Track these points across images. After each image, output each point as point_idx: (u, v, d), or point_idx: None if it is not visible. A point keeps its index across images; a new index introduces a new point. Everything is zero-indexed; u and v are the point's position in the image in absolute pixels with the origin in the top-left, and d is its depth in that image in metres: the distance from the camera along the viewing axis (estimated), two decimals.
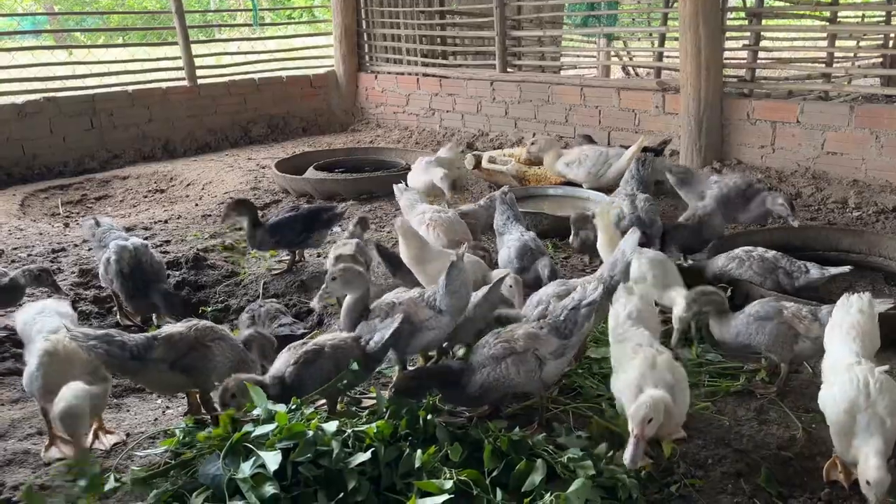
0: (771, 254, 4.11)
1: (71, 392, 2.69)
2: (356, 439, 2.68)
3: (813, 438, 3.02)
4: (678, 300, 3.58)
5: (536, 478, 2.48)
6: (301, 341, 3.15)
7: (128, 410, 3.41)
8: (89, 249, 5.36)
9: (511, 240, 4.30)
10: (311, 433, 2.60)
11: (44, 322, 3.10)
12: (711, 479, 2.77)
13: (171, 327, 3.11)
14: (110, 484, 2.65)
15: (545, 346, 2.97)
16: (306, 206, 5.26)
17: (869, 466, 2.39)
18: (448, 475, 2.48)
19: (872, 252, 4.81)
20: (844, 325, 2.82)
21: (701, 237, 4.73)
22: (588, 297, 3.03)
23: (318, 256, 5.42)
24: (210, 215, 6.56)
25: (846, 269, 4.00)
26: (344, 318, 3.36)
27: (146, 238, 5.62)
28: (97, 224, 4.56)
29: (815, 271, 3.97)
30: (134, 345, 2.94)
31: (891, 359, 3.54)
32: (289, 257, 5.20)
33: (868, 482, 2.38)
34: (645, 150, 6.28)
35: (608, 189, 6.04)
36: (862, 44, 11.29)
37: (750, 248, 4.21)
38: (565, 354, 3.04)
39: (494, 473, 2.58)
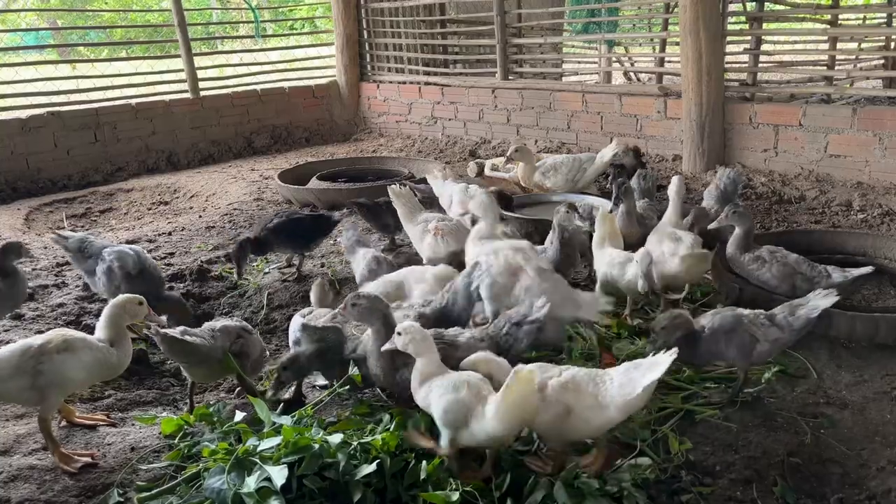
0: (793, 257, 3.99)
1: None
2: (362, 451, 2.67)
3: (822, 444, 2.99)
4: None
5: (541, 491, 2.47)
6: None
7: (133, 424, 3.40)
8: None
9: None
10: (317, 447, 2.59)
11: None
12: (720, 487, 2.75)
13: (217, 321, 3.52)
14: (114, 498, 2.64)
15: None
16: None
17: None
18: (454, 486, 2.47)
19: (878, 255, 4.79)
20: None
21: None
22: (532, 315, 2.97)
23: (322, 267, 5.42)
24: (214, 227, 6.57)
25: (869, 269, 3.87)
26: (373, 359, 3.06)
27: (150, 251, 5.64)
28: (64, 238, 4.45)
29: (836, 275, 3.86)
30: (212, 334, 3.37)
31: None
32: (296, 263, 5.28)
33: None
34: (621, 166, 6.22)
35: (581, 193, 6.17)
36: (863, 46, 11.28)
37: (774, 248, 4.09)
38: None
39: (499, 483, 2.56)
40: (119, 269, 4.16)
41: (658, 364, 2.49)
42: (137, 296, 3.31)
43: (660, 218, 4.54)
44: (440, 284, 3.64)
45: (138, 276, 4.18)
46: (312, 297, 3.91)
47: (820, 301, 3.16)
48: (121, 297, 3.27)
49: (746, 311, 3.26)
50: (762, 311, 3.28)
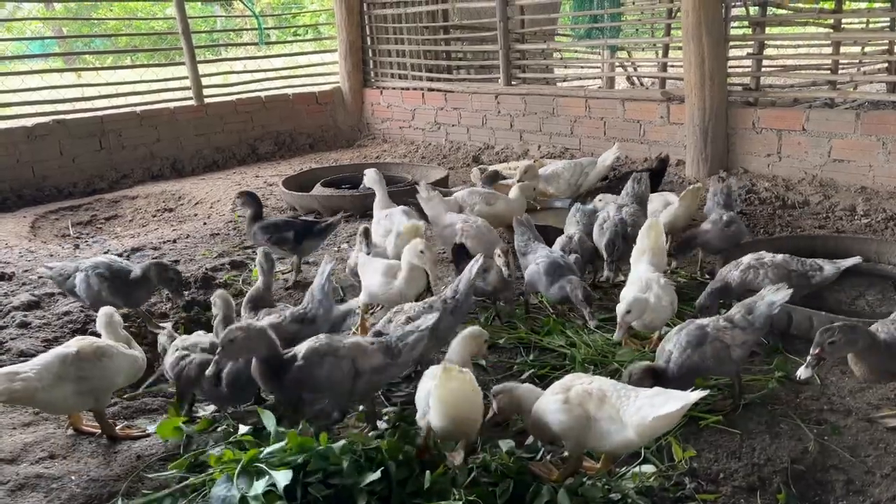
0: (780, 258, 4.00)
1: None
2: (367, 459, 2.67)
3: (826, 451, 2.99)
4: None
5: (544, 497, 2.48)
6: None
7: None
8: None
9: (540, 256, 4.20)
10: (322, 447, 2.60)
11: None
12: (724, 494, 2.75)
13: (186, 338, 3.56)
14: None
15: (368, 359, 2.99)
16: (302, 218, 5.45)
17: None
18: (457, 496, 2.48)
19: (882, 259, 4.79)
20: None
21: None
22: (421, 324, 3.07)
23: None
24: (218, 234, 6.59)
25: (857, 259, 3.99)
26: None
27: (154, 259, 5.66)
28: (49, 268, 4.69)
29: (828, 267, 3.94)
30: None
31: None
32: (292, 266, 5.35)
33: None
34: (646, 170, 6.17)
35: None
36: (867, 50, 11.26)
37: (757, 254, 4.08)
38: (386, 372, 3.07)
39: (502, 490, 2.57)
40: (95, 275, 4.36)
41: (681, 398, 2.44)
42: (111, 308, 3.53)
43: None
44: None
45: (113, 275, 4.36)
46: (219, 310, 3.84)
47: (775, 296, 3.16)
48: (103, 310, 3.47)
49: (704, 321, 3.22)
50: (719, 316, 3.29)
